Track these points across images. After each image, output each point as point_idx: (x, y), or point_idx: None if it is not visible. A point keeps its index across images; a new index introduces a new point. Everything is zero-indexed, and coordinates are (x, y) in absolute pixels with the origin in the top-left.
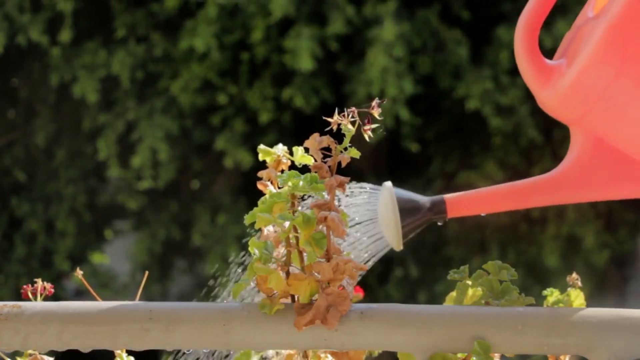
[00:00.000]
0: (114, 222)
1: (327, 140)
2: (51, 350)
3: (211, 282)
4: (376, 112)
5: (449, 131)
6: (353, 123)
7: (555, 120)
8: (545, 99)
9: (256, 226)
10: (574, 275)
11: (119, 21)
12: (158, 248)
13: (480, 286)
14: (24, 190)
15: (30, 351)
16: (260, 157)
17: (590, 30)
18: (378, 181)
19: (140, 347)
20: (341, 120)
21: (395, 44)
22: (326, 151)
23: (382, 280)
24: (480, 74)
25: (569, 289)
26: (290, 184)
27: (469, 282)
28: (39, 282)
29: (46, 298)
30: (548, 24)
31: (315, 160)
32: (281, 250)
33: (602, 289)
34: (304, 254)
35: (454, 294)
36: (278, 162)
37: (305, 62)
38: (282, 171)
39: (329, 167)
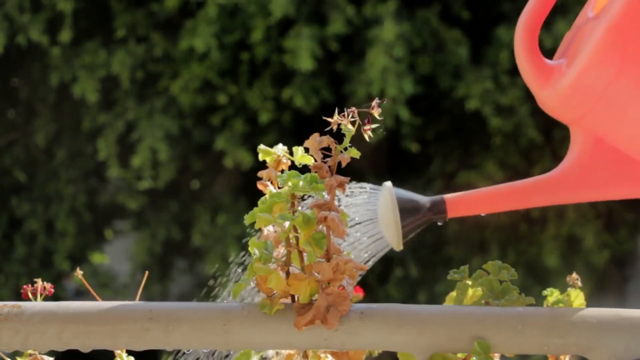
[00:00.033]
0: (114, 222)
1: (327, 140)
2: (51, 350)
3: (211, 282)
4: (376, 112)
5: (449, 131)
6: (353, 123)
7: (555, 120)
8: (545, 99)
9: (256, 226)
10: (574, 275)
11: (119, 21)
12: (158, 248)
13: (480, 286)
14: (24, 190)
15: (30, 351)
16: (261, 157)
17: (590, 30)
18: (378, 181)
19: (140, 347)
20: (341, 120)
21: (395, 44)
22: (326, 151)
23: (382, 280)
24: (480, 74)
25: (569, 289)
26: (290, 184)
27: (469, 282)
28: (39, 282)
29: (46, 298)
30: (548, 24)
31: (315, 160)
32: (281, 250)
33: (602, 289)
34: (304, 254)
35: (454, 294)
36: (278, 162)
37: (305, 62)
38: (282, 171)
39: (329, 167)
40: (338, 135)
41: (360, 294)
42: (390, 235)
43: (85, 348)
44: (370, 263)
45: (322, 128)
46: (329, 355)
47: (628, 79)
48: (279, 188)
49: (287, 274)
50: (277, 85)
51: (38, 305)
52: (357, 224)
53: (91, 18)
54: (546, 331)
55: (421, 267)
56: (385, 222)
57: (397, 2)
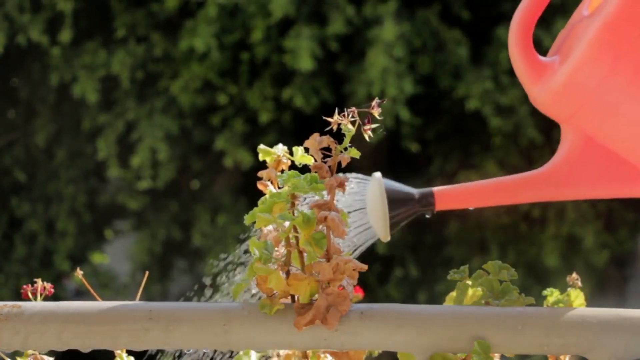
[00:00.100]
0: (114, 222)
1: (327, 140)
2: (51, 350)
3: (208, 283)
4: (376, 112)
5: (449, 131)
6: (353, 123)
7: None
8: (537, 95)
9: (256, 226)
10: (574, 275)
11: (119, 21)
12: (158, 248)
13: (480, 286)
14: (24, 190)
15: (30, 351)
16: (261, 157)
17: (584, 28)
18: None
19: (140, 347)
20: (341, 120)
21: (396, 44)
22: (326, 151)
23: (382, 280)
24: (480, 74)
25: (569, 289)
26: (290, 184)
27: (469, 282)
28: (39, 282)
29: (46, 298)
30: (547, 24)
31: (315, 160)
32: (281, 250)
33: (602, 289)
34: (304, 254)
35: (454, 294)
36: (278, 162)
37: (305, 62)
38: (282, 171)
39: (329, 167)
40: (338, 135)
41: (360, 294)
42: (378, 225)
43: (85, 348)
44: (357, 252)
45: (322, 128)
46: (328, 355)
47: (620, 78)
48: (279, 188)
49: (287, 274)
50: (277, 85)
51: (38, 305)
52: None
53: (91, 18)
54: (546, 331)
55: (421, 267)
56: (374, 213)
57: (397, 2)
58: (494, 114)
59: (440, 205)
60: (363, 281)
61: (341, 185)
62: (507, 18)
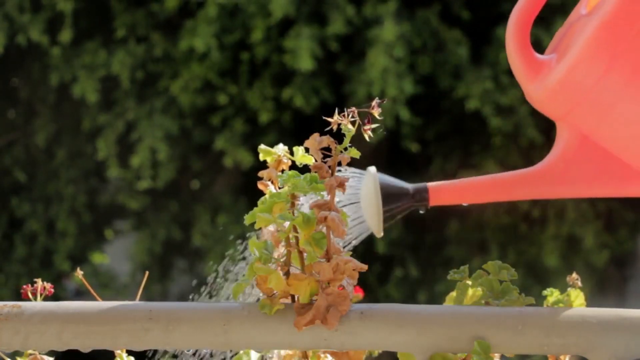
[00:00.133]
0: (114, 222)
1: (327, 140)
2: (51, 350)
3: (209, 281)
4: (376, 112)
5: (449, 131)
6: (353, 123)
7: None
8: (533, 93)
9: (256, 226)
10: (574, 275)
11: (119, 21)
12: (158, 248)
13: (480, 286)
14: (24, 190)
15: (30, 351)
16: (261, 157)
17: (582, 27)
18: None
19: (140, 347)
20: (341, 120)
21: (396, 44)
22: (326, 151)
23: (382, 280)
24: (480, 74)
25: (569, 289)
26: (290, 184)
27: (469, 282)
28: (39, 282)
29: (46, 298)
30: (547, 23)
31: (316, 160)
32: (281, 250)
33: (602, 289)
34: (304, 254)
35: (454, 294)
36: (278, 162)
37: (305, 62)
38: (283, 171)
39: (329, 167)
40: (338, 135)
41: (360, 294)
42: (371, 220)
43: (85, 348)
44: (350, 246)
45: (322, 128)
46: (328, 355)
47: (617, 77)
48: (280, 188)
49: (287, 274)
50: (277, 85)
51: (38, 305)
52: (342, 206)
53: (91, 18)
54: (546, 331)
55: (421, 267)
56: (368, 207)
57: (397, 2)
58: (494, 114)
59: (435, 201)
60: (363, 281)
61: (341, 185)
62: (507, 18)
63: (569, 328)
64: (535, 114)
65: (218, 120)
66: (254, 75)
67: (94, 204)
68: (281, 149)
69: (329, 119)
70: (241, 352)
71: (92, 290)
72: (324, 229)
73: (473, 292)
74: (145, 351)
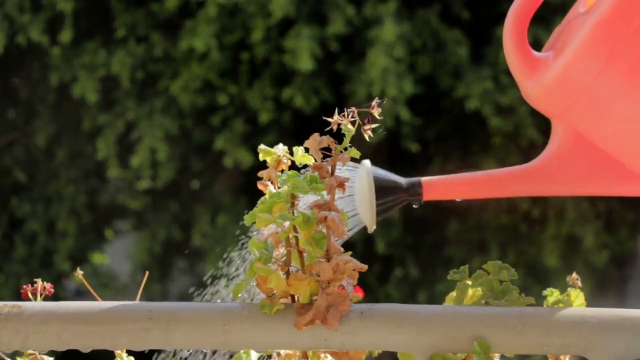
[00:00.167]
0: (114, 222)
1: (327, 140)
2: (51, 350)
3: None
4: (376, 112)
5: (449, 131)
6: (353, 123)
7: None
8: (529, 90)
9: (256, 226)
10: (574, 275)
11: (119, 21)
12: (158, 248)
13: (480, 286)
14: (24, 190)
15: (30, 351)
16: (261, 157)
17: (579, 25)
18: None
19: (140, 347)
20: (341, 120)
21: (396, 44)
22: (326, 151)
23: (382, 280)
24: (480, 74)
25: (569, 289)
26: (290, 184)
27: (469, 282)
28: (39, 282)
29: (46, 298)
30: (547, 23)
31: (315, 160)
32: (281, 250)
33: (602, 289)
34: (304, 254)
35: (454, 294)
36: (278, 162)
37: (305, 62)
38: (282, 171)
39: (329, 167)
40: (338, 135)
41: (360, 294)
42: (364, 213)
43: (85, 348)
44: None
45: (322, 128)
46: (328, 355)
47: (613, 76)
48: (279, 188)
49: (287, 274)
50: (277, 85)
51: (38, 305)
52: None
53: (91, 18)
54: (546, 331)
55: (421, 267)
56: (361, 200)
57: (397, 2)
58: (494, 114)
59: (428, 195)
60: (363, 281)
61: (341, 185)
62: None
63: (569, 328)
64: (535, 114)
65: (218, 120)
66: (254, 75)
67: (94, 204)
68: (281, 149)
69: (329, 119)
70: (241, 352)
71: (92, 290)
72: (324, 229)
73: (473, 292)
74: (145, 351)
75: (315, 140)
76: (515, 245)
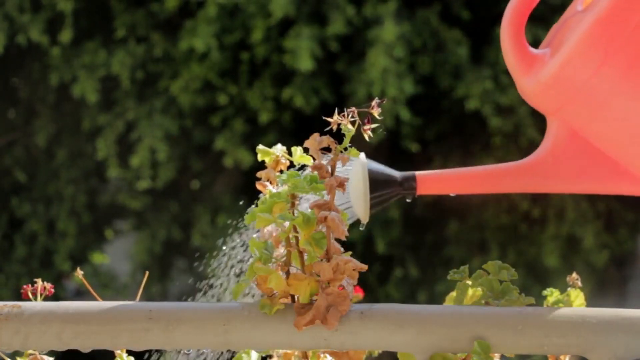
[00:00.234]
0: (115, 222)
1: (327, 140)
2: (51, 350)
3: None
4: (376, 112)
5: (449, 131)
6: (353, 123)
7: None
8: (526, 87)
9: (256, 226)
10: (574, 275)
11: (119, 21)
12: (158, 248)
13: (480, 286)
14: (24, 190)
15: (30, 351)
16: (259, 158)
17: (576, 22)
18: None
19: (140, 347)
20: (341, 120)
21: (396, 45)
22: (326, 151)
23: (382, 280)
24: (480, 74)
25: (569, 289)
26: (290, 183)
27: (469, 282)
28: (39, 282)
29: (46, 298)
30: (546, 22)
31: (315, 160)
32: (281, 250)
33: (602, 289)
34: (304, 254)
35: (454, 294)
36: (277, 162)
37: (305, 62)
38: (281, 171)
39: (329, 167)
40: (338, 135)
41: (360, 294)
42: (358, 206)
43: (85, 348)
44: None
45: (322, 128)
46: (328, 355)
47: (610, 74)
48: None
49: (287, 274)
50: (277, 85)
51: (38, 305)
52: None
53: (91, 18)
54: (546, 331)
55: (421, 267)
56: (355, 193)
57: (397, 2)
58: (494, 114)
59: (422, 190)
60: (363, 281)
61: (341, 185)
62: None
63: (569, 328)
64: (535, 114)
65: (218, 120)
66: (254, 75)
67: (94, 204)
68: (279, 149)
69: (329, 119)
70: (241, 352)
71: (92, 290)
72: (324, 229)
73: (473, 292)
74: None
75: (315, 141)
76: (515, 245)
